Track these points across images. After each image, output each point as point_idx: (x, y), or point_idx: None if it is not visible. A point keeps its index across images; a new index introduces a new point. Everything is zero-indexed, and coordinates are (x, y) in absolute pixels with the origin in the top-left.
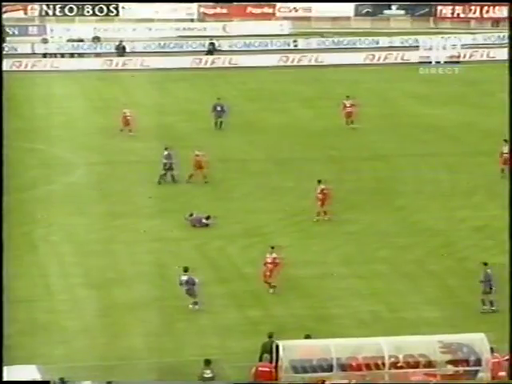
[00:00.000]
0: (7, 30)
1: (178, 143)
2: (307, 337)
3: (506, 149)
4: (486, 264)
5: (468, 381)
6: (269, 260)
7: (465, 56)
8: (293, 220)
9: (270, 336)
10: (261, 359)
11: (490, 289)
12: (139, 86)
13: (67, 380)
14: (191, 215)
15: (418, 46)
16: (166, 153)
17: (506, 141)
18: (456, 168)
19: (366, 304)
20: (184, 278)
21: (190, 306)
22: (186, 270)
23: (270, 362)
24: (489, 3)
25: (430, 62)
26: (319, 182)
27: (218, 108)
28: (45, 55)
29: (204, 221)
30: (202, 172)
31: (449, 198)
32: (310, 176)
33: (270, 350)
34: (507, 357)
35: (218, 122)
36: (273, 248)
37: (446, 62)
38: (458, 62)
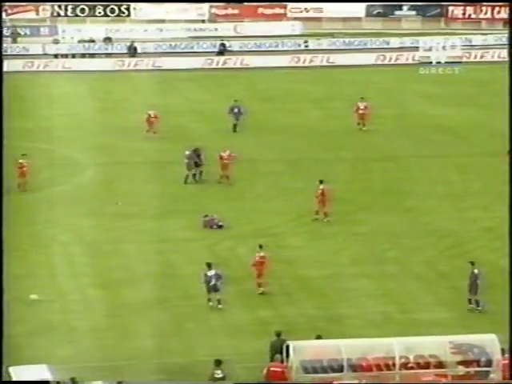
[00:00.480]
0: (19, 30)
1: (189, 144)
2: (318, 337)
3: None
4: (472, 263)
5: (479, 381)
6: (257, 259)
7: (475, 57)
8: (303, 220)
9: (279, 334)
10: (272, 359)
11: (476, 289)
12: (150, 87)
13: (78, 380)
14: (206, 216)
15: (429, 47)
16: (187, 153)
17: None
18: (466, 169)
19: (377, 304)
20: (211, 273)
21: (211, 303)
22: (209, 265)
23: (282, 361)
24: (500, 4)
25: (431, 63)
26: (321, 182)
27: (235, 110)
28: (56, 56)
29: (215, 227)
30: (224, 172)
31: (459, 199)
32: (320, 177)
33: (278, 349)
34: None
35: (235, 124)
36: (261, 247)
37: (447, 63)
38: (460, 62)
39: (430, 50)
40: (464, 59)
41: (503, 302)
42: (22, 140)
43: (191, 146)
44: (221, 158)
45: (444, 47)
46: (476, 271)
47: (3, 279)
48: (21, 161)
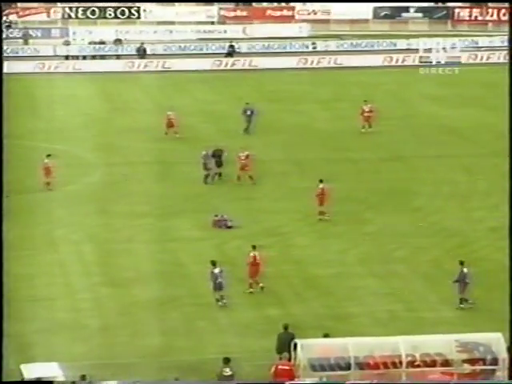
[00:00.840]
0: (30, 32)
1: (198, 144)
2: (326, 335)
3: None
4: (462, 263)
5: (485, 381)
6: (250, 260)
7: (482, 58)
8: (311, 220)
9: (286, 327)
10: (278, 351)
11: (465, 287)
12: (160, 88)
13: (92, 380)
14: (216, 216)
15: (432, 49)
16: (203, 153)
17: None
18: (473, 169)
19: (384, 303)
20: (217, 270)
21: (220, 302)
22: (214, 263)
23: (289, 359)
24: (506, 6)
25: (431, 62)
26: (320, 181)
27: (248, 112)
28: (67, 57)
29: (223, 227)
30: (245, 173)
31: (465, 199)
32: (328, 177)
33: (285, 342)
34: None
35: (247, 126)
36: (254, 247)
37: (447, 63)
38: (459, 63)
39: (429, 50)
40: (468, 60)
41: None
42: (33, 140)
43: (210, 146)
44: (239, 158)
45: (444, 48)
46: (465, 270)
47: (3, 279)
48: (46, 161)
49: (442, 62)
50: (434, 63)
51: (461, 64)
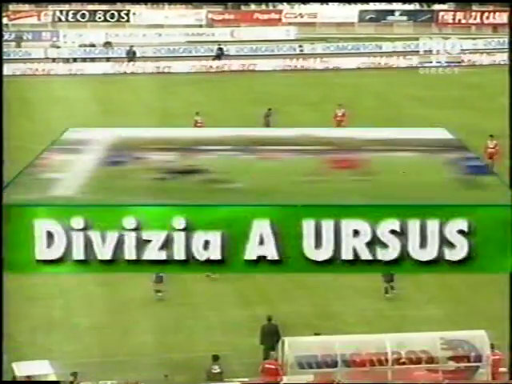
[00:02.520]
0: (22, 35)
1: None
2: (317, 335)
3: (491, 144)
4: None
5: (482, 381)
6: None
7: (466, 60)
8: None
9: (269, 319)
10: (262, 342)
11: (391, 277)
12: (149, 90)
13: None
14: None
15: (418, 51)
16: None
17: (491, 136)
18: None
19: (369, 302)
20: None
21: (159, 294)
22: None
23: (276, 359)
24: (489, 9)
25: (431, 62)
26: None
27: (269, 118)
28: (57, 60)
29: None
30: None
31: None
32: None
33: (267, 332)
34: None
35: None
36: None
37: (447, 62)
38: (459, 63)
39: (430, 51)
40: (464, 61)
41: (493, 299)
42: (25, 142)
43: None
44: None
45: (445, 48)
46: None
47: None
48: None
49: (443, 63)
50: (433, 63)
51: (458, 63)
